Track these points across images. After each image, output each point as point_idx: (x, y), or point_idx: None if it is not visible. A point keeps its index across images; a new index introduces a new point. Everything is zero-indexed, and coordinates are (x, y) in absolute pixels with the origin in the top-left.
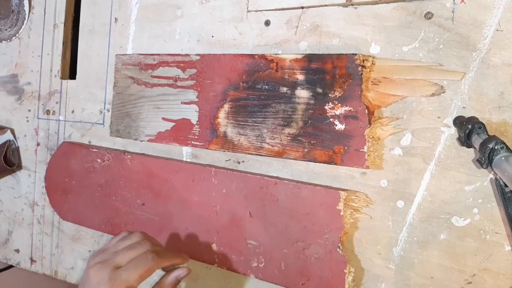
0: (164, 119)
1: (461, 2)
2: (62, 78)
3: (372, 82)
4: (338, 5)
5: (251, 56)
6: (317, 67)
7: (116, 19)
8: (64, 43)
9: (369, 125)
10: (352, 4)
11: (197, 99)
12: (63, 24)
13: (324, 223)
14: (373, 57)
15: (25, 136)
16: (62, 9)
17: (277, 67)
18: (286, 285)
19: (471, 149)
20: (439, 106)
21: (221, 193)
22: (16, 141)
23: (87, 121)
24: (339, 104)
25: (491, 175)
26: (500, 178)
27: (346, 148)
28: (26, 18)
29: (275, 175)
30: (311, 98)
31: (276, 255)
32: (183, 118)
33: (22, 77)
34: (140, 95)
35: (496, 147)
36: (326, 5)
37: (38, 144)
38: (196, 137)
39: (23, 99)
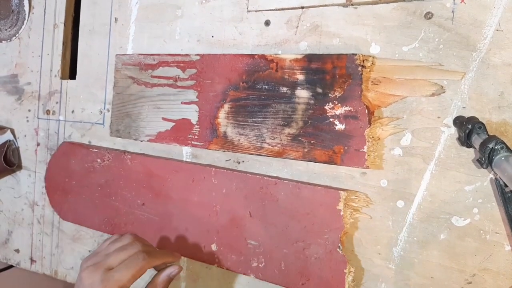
0: (164, 119)
1: (461, 2)
2: (62, 78)
3: (372, 82)
4: (338, 5)
5: (251, 56)
6: (317, 67)
7: (116, 19)
8: (64, 43)
9: (369, 125)
10: (352, 4)
11: (197, 99)
12: (63, 24)
13: (324, 223)
14: (373, 57)
15: (25, 136)
16: (62, 9)
17: (277, 67)
18: (286, 285)
19: (471, 149)
20: (439, 106)
21: (221, 193)
22: (16, 141)
23: (87, 121)
24: (339, 104)
25: (491, 175)
26: (500, 178)
27: (346, 148)
28: (26, 18)
29: (275, 175)
30: (311, 98)
31: (276, 255)
32: (183, 118)
33: (22, 77)
34: (140, 95)
35: (496, 147)
36: (326, 5)
37: (38, 144)
38: (196, 137)
39: (23, 99)
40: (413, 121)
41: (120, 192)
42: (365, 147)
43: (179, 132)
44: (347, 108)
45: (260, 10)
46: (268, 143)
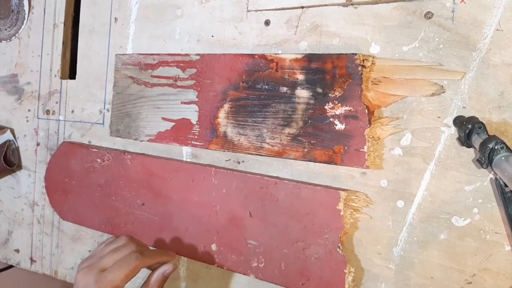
0: (164, 119)
1: (461, 2)
2: (62, 78)
3: (372, 82)
4: (338, 4)
5: (251, 56)
6: (317, 67)
7: (116, 19)
8: (64, 43)
9: (369, 125)
10: (352, 4)
11: (197, 99)
12: (63, 24)
13: (324, 223)
14: (373, 57)
15: (25, 136)
16: (62, 9)
17: (277, 67)
18: (286, 285)
19: (471, 149)
20: (439, 106)
21: (221, 193)
22: (16, 141)
23: (87, 121)
24: (339, 104)
25: (491, 175)
26: (500, 178)
27: (346, 148)
28: (26, 18)
29: (275, 175)
30: (311, 98)
31: (276, 255)
32: (183, 118)
33: (22, 77)
34: (140, 95)
35: (496, 147)
36: (326, 5)
37: (38, 144)
38: (196, 137)
39: (23, 99)
40: (413, 121)
41: (120, 192)
42: (365, 147)
43: (179, 132)
44: (347, 108)
45: (260, 10)
46: (268, 143)
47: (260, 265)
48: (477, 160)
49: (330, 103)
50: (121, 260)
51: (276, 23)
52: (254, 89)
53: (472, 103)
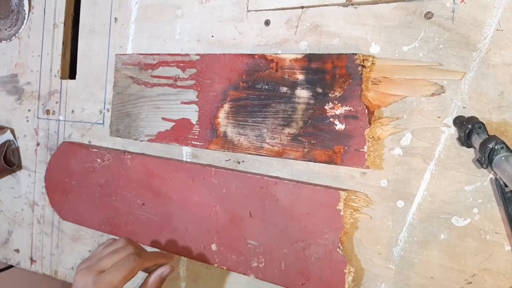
0: (164, 119)
1: (461, 2)
2: (62, 78)
3: (372, 82)
4: (338, 5)
5: (251, 56)
6: (317, 67)
7: (116, 19)
8: (64, 43)
9: (369, 125)
10: (352, 4)
11: (197, 99)
12: (63, 24)
13: (324, 223)
14: (373, 57)
15: (25, 136)
16: (62, 9)
17: (277, 67)
18: (286, 285)
19: (471, 149)
20: (439, 106)
21: (221, 193)
22: (16, 141)
23: (87, 121)
24: (339, 104)
25: (491, 175)
26: (500, 178)
27: (346, 148)
28: (26, 18)
29: (275, 175)
30: (311, 98)
31: (276, 255)
32: (183, 118)
33: (22, 77)
34: (140, 95)
35: (496, 147)
36: (326, 5)
37: (38, 144)
38: (196, 137)
39: (23, 99)
40: (413, 121)
41: (120, 192)
42: (365, 147)
43: (179, 132)
44: (347, 108)
45: (260, 10)
46: (268, 143)
47: (260, 265)
48: (477, 160)
49: (330, 103)
50: (120, 262)
51: (276, 23)
52: (254, 89)
53: (472, 103)
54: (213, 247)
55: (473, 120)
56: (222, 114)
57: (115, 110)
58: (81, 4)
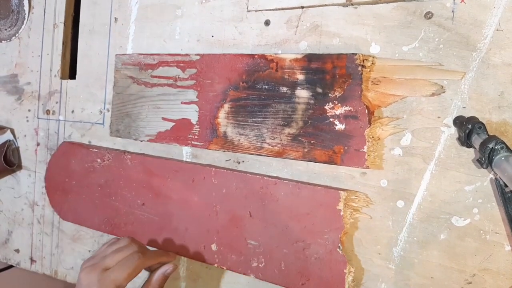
0: (164, 119)
1: (461, 2)
2: (62, 78)
3: (372, 82)
4: (338, 4)
5: (251, 56)
6: (317, 67)
7: (116, 19)
8: (64, 43)
9: (369, 125)
10: (352, 4)
11: (197, 99)
12: (63, 24)
13: (324, 223)
14: (373, 57)
15: (25, 136)
16: (62, 9)
17: (277, 67)
18: (286, 285)
19: (471, 149)
20: (439, 106)
21: (221, 193)
22: (16, 141)
23: (87, 121)
24: (339, 104)
25: (491, 175)
26: (500, 178)
27: (346, 148)
28: (26, 18)
29: (275, 175)
30: (311, 98)
31: (276, 255)
32: (183, 118)
33: (22, 77)
34: (140, 95)
35: (496, 147)
36: (326, 5)
37: (38, 144)
38: (196, 137)
39: (23, 99)
40: (413, 121)
41: (120, 192)
42: (365, 147)
43: (179, 132)
44: (347, 108)
45: (260, 10)
46: (268, 143)
47: (260, 265)
48: (477, 160)
49: (330, 103)
50: (124, 260)
51: (276, 23)
52: (254, 89)
53: (472, 103)
54: (213, 247)
55: (473, 120)
56: (222, 114)
57: (115, 110)
58: (81, 4)
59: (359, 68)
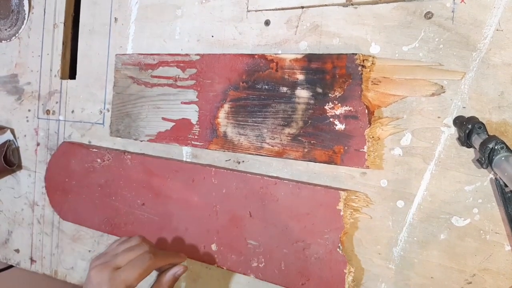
0: (164, 119)
1: (461, 2)
2: (62, 78)
3: (372, 82)
4: (338, 5)
5: (251, 56)
6: (317, 67)
7: (116, 19)
8: (64, 43)
9: (369, 125)
10: (352, 4)
11: (197, 99)
12: (63, 24)
13: (324, 223)
14: (373, 57)
15: (25, 136)
16: (62, 9)
17: (277, 67)
18: (286, 285)
19: (471, 149)
20: (439, 106)
21: (221, 193)
22: (16, 141)
23: (87, 121)
24: (339, 104)
25: (491, 175)
26: (500, 178)
27: (346, 148)
28: (26, 18)
29: (275, 175)
30: (311, 98)
31: (276, 255)
32: (183, 118)
33: (22, 77)
34: (140, 95)
35: (496, 147)
36: (326, 5)
37: (38, 144)
38: (196, 137)
39: (23, 99)
40: (413, 121)
41: (120, 192)
42: (365, 147)
43: (179, 132)
44: (347, 108)
45: (260, 10)
46: (268, 143)
47: (260, 265)
48: (477, 160)
49: (330, 103)
50: (135, 259)
51: (276, 23)
52: (254, 89)
53: (472, 103)
54: (213, 247)
55: (473, 120)
56: (222, 114)
57: (115, 110)
58: (81, 4)
59: (359, 68)
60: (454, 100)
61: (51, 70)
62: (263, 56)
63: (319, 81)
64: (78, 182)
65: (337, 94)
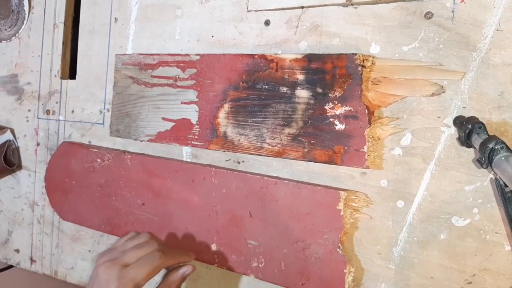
0: (164, 119)
1: (461, 2)
2: (62, 78)
3: (372, 82)
4: (338, 5)
5: (251, 56)
6: (317, 67)
7: (116, 19)
8: (64, 43)
9: (369, 125)
10: (352, 4)
11: (197, 99)
12: (63, 24)
13: (324, 223)
14: (373, 57)
15: (25, 136)
16: (62, 9)
17: (277, 67)
18: (286, 285)
19: (471, 149)
20: (439, 106)
21: (221, 193)
22: (16, 141)
23: (87, 121)
24: (339, 104)
25: (491, 175)
26: (500, 178)
27: (346, 148)
28: (26, 18)
29: (275, 175)
30: (311, 98)
31: (276, 255)
32: (183, 118)
33: (22, 77)
34: (140, 95)
35: (496, 147)
36: (326, 5)
37: (38, 144)
38: (196, 137)
39: (23, 99)
40: (413, 121)
41: (120, 192)
42: (365, 147)
43: (179, 132)
44: (347, 108)
45: (260, 10)
46: (268, 143)
47: (260, 265)
48: (477, 160)
49: (330, 103)
50: (144, 257)
51: (276, 23)
52: (254, 89)
53: (472, 103)
54: (213, 247)
55: (473, 120)
56: (222, 114)
57: (115, 110)
58: (81, 4)
59: (359, 68)
60: (454, 100)
61: (51, 70)
62: (263, 56)
63: (319, 81)
64: (78, 182)
65: (337, 94)
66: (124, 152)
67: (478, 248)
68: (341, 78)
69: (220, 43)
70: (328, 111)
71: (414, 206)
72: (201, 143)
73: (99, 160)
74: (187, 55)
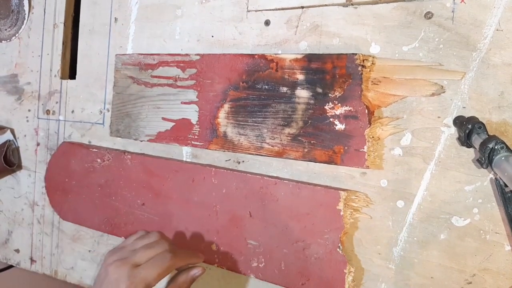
0: (164, 119)
1: (461, 2)
2: (62, 78)
3: (372, 82)
4: (338, 5)
5: (251, 56)
6: (317, 67)
7: (116, 19)
8: (64, 43)
9: (369, 125)
10: (352, 4)
11: (197, 99)
12: (63, 24)
13: (324, 223)
14: (373, 57)
15: (25, 136)
16: (62, 9)
17: (277, 67)
18: (286, 285)
19: (471, 149)
20: (439, 106)
21: (221, 193)
22: (16, 141)
23: (87, 121)
24: (339, 104)
25: (491, 175)
26: (500, 178)
27: (346, 148)
28: (26, 18)
29: (275, 175)
30: (311, 98)
31: (276, 255)
32: (183, 118)
33: (22, 77)
34: (140, 95)
35: (496, 147)
36: (326, 5)
37: (38, 144)
38: (196, 137)
39: (23, 99)
40: (413, 121)
41: (120, 192)
42: (365, 147)
43: (179, 132)
44: (347, 108)
45: (260, 10)
46: (268, 143)
47: (260, 265)
48: (477, 160)
49: (330, 103)
50: (155, 258)
51: (276, 23)
52: (254, 89)
53: (472, 103)
54: (213, 247)
55: (473, 120)
56: (222, 114)
57: (115, 110)
58: (81, 4)
59: (359, 68)
60: (454, 100)
61: (51, 70)
62: (263, 56)
63: (319, 81)
64: (78, 182)
65: (337, 94)
66: (124, 152)
67: (478, 248)
68: (341, 78)
69: (220, 43)
70: (328, 111)
71: (414, 206)
72: (201, 143)
73: (99, 160)
74: (187, 55)
